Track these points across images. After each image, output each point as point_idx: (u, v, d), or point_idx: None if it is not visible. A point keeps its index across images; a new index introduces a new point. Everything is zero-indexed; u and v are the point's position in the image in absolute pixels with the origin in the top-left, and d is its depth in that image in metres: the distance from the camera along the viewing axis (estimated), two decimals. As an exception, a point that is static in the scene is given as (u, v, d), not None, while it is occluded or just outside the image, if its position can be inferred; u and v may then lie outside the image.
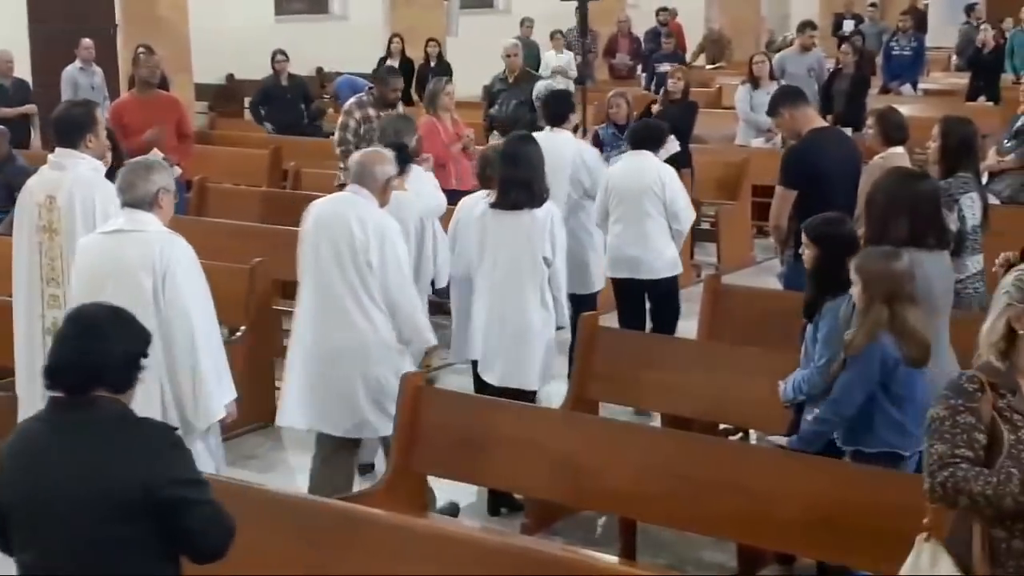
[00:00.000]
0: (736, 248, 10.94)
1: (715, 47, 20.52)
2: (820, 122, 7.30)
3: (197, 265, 5.15)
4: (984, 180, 7.88)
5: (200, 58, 15.23)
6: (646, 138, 7.76)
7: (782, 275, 7.18)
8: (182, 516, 3.29)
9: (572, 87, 17.20)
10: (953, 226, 5.91)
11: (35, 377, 5.29)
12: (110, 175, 5.81)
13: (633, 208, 7.52)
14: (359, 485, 6.01)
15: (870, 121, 7.22)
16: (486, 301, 6.35)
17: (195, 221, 9.24)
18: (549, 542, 5.50)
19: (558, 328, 6.44)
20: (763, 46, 18.86)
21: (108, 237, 5.19)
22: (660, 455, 5.12)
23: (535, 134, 7.13)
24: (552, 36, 16.82)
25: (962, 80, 16.83)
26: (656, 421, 6.76)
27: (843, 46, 13.81)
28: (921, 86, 16.55)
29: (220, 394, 5.15)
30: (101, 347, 3.36)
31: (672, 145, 8.46)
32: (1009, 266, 5.46)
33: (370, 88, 10.24)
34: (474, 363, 6.54)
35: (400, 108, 9.79)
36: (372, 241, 5.66)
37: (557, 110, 8.08)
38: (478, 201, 6.49)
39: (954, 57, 19.87)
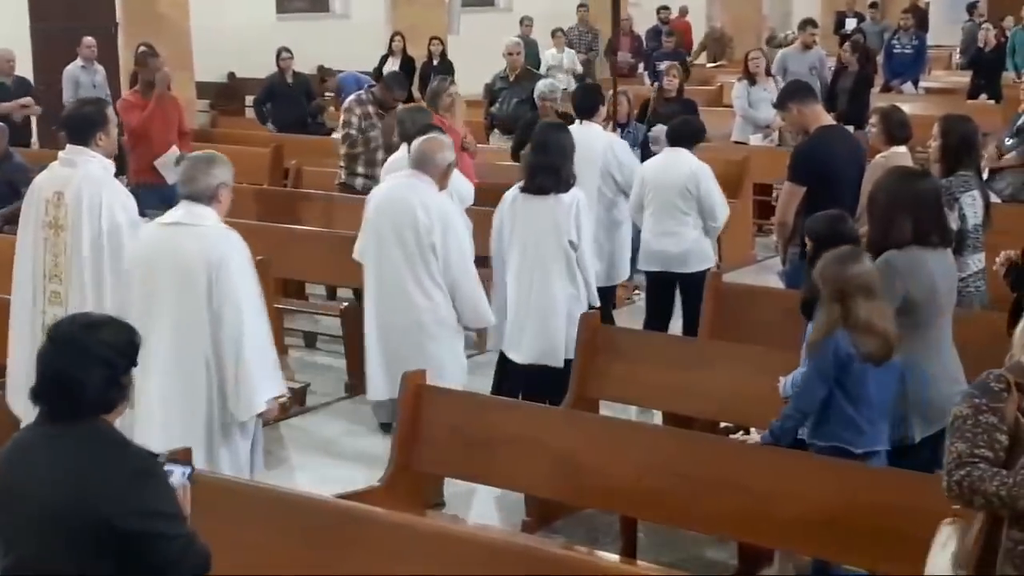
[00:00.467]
0: (737, 246, 10.92)
1: (716, 45, 20.55)
2: (828, 119, 7.29)
3: (250, 261, 5.31)
4: (984, 177, 7.87)
5: (201, 56, 15.23)
6: (683, 135, 7.96)
7: (783, 273, 7.18)
8: (150, 549, 3.21)
9: (573, 85, 17.25)
10: (954, 225, 5.89)
11: (32, 373, 5.31)
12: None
13: (667, 203, 7.74)
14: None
15: (874, 119, 7.20)
16: (514, 282, 6.59)
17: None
18: (550, 540, 5.50)
19: (589, 308, 6.60)
20: (764, 44, 18.86)
21: (166, 228, 5.33)
22: (661, 453, 5.12)
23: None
24: (553, 34, 16.82)
25: (963, 78, 16.84)
26: (657, 419, 6.75)
27: (845, 44, 13.82)
28: (922, 84, 16.56)
29: (264, 388, 5.25)
30: (75, 373, 3.25)
31: None
32: (1011, 264, 5.45)
33: (370, 87, 10.24)
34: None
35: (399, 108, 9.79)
36: (436, 225, 5.97)
37: (586, 103, 8.32)
38: (513, 190, 6.75)
39: (957, 55, 19.87)
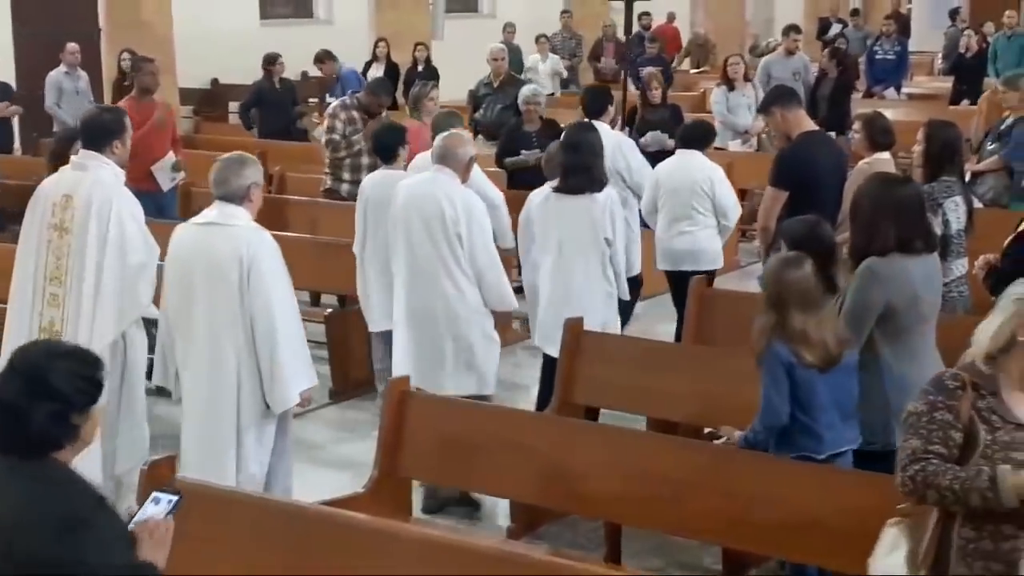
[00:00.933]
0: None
1: (700, 51, 20.63)
2: (811, 125, 7.34)
3: (281, 259, 5.51)
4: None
5: (184, 62, 15.20)
6: (695, 137, 8.27)
7: (765, 278, 7.19)
8: None
9: (559, 91, 17.26)
10: (937, 230, 5.90)
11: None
12: None
13: (680, 204, 8.03)
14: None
15: (856, 126, 7.19)
16: (549, 279, 6.79)
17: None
18: (534, 546, 5.50)
19: (621, 301, 6.93)
20: (747, 50, 18.92)
21: (200, 228, 5.55)
22: (645, 459, 5.12)
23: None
24: (537, 40, 16.84)
25: (945, 84, 16.92)
26: (642, 425, 6.76)
27: (824, 51, 13.87)
28: (905, 90, 16.63)
29: (297, 382, 5.48)
30: (22, 404, 3.15)
31: (667, 143, 9.28)
32: (989, 268, 5.47)
33: (353, 92, 10.23)
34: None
35: (384, 115, 9.79)
36: (461, 216, 6.22)
37: (595, 104, 8.67)
38: (543, 190, 6.94)
39: (939, 60, 19.95)
